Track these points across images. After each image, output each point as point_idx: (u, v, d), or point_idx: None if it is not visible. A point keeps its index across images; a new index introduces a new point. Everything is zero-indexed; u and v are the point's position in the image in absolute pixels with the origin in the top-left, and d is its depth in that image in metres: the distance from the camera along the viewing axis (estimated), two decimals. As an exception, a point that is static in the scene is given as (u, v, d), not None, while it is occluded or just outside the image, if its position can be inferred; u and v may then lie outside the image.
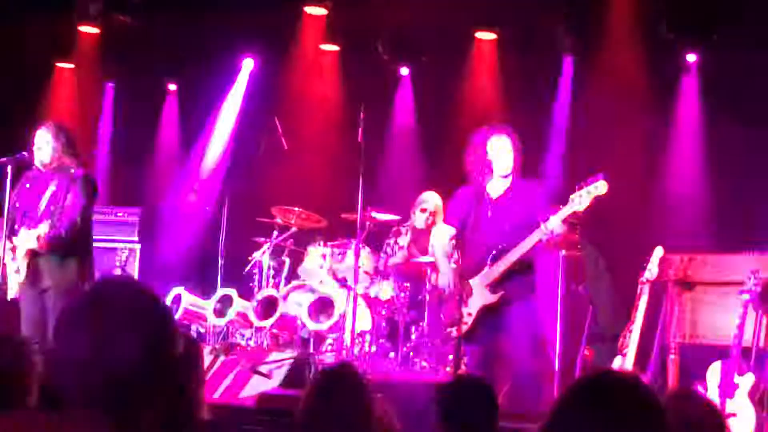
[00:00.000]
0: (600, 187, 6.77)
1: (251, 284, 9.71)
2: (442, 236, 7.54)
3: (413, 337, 9.06)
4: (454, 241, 7.28)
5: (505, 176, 7.17)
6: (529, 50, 10.32)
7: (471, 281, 7.11)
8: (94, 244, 8.67)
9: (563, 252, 7.96)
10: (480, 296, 7.10)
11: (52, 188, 7.66)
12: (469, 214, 7.16)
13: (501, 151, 7.12)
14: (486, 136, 7.17)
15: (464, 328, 7.10)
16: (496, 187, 7.19)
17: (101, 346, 2.02)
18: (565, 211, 6.78)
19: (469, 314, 7.12)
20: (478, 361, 7.32)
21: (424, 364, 8.89)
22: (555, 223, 6.81)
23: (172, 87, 12.21)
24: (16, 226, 7.68)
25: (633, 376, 2.28)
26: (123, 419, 2.00)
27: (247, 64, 11.77)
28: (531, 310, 7.15)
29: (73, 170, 7.70)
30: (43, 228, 7.45)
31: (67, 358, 2.06)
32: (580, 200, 6.76)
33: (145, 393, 2.06)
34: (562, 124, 10.39)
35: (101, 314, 2.06)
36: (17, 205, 7.69)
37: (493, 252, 7.06)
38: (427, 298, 9.18)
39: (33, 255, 7.55)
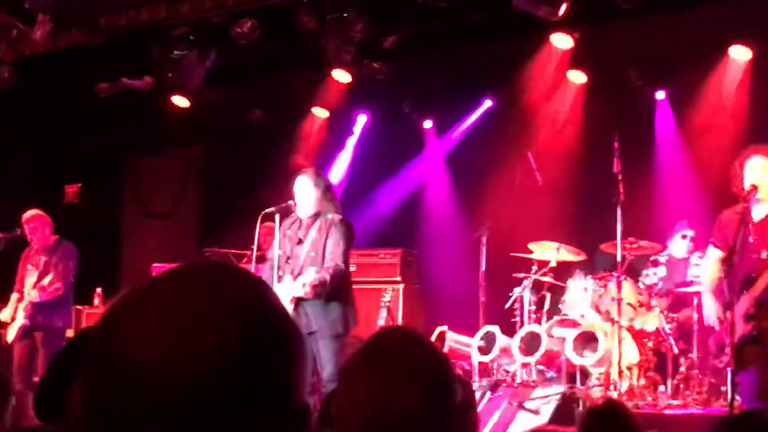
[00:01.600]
0: None
1: (513, 320, 9.67)
2: (707, 263, 7.35)
3: (683, 368, 8.79)
4: (720, 267, 7.06)
5: (765, 199, 6.93)
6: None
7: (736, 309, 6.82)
8: (360, 285, 8.93)
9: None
10: (738, 326, 6.84)
11: (313, 234, 7.88)
12: (735, 239, 6.90)
13: (760, 171, 6.89)
14: (746, 157, 6.97)
15: (725, 359, 6.91)
16: (760, 209, 6.95)
17: (383, 394, 2.05)
18: None
19: (728, 345, 6.84)
20: (751, 393, 7.01)
21: (695, 396, 8.62)
22: None
23: (428, 125, 12.46)
24: (281, 273, 7.93)
25: None
26: None
27: (486, 104, 11.92)
28: None
29: (331, 216, 7.90)
30: (309, 275, 7.67)
31: (349, 404, 2.10)
32: None
33: None
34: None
35: (383, 362, 2.10)
36: (280, 252, 7.96)
37: (747, 280, 6.84)
38: (695, 327, 8.90)
39: (298, 300, 7.73)
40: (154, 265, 11.02)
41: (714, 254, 7.17)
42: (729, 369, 6.80)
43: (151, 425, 1.32)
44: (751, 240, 6.86)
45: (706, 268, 7.36)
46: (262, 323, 1.38)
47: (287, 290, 7.74)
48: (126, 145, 13.56)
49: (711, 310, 7.14)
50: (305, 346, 1.43)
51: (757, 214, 6.91)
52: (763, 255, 6.80)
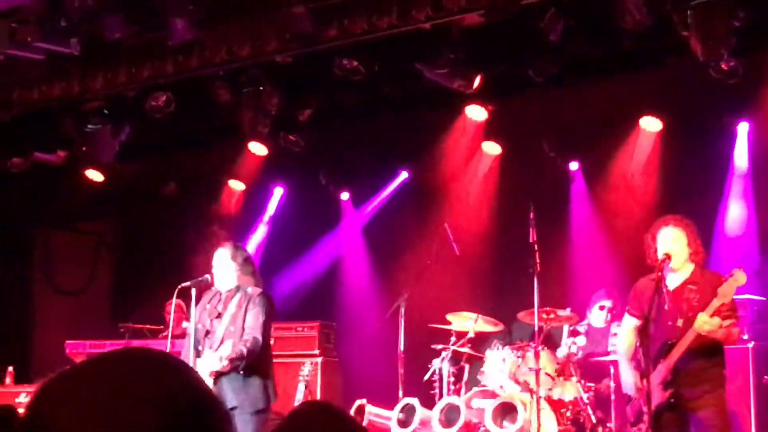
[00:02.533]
0: (739, 277, 6.65)
1: (432, 392, 9.65)
2: (622, 331, 7.43)
3: None
4: (636, 335, 7.14)
5: (678, 268, 7.04)
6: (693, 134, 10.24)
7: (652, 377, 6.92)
8: (279, 359, 8.82)
9: (751, 344, 7.76)
10: (655, 394, 6.90)
11: (232, 309, 7.83)
12: (651, 307, 6.98)
13: (672, 242, 7.02)
14: (658, 227, 7.11)
15: (642, 427, 6.96)
16: (675, 277, 7.05)
17: None
18: (713, 305, 6.63)
19: (645, 413, 6.93)
20: None
21: None
22: (702, 320, 6.64)
23: (345, 196, 12.55)
24: (200, 347, 7.85)
25: None
26: None
27: (405, 173, 12.02)
28: (719, 411, 6.90)
29: (251, 289, 7.87)
30: (226, 349, 7.60)
31: None
32: (724, 292, 6.63)
33: None
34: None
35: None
36: (199, 326, 7.90)
37: (664, 347, 6.93)
38: (613, 397, 8.98)
39: (218, 375, 7.65)
40: (68, 342, 10.90)
41: (629, 322, 7.26)
42: None
43: None
44: (666, 308, 6.97)
45: (621, 337, 7.43)
46: (187, 407, 1.39)
47: (206, 364, 7.66)
48: (37, 220, 13.38)
49: (628, 378, 7.20)
50: (232, 428, 1.45)
51: (671, 282, 7.03)
52: (679, 323, 6.91)
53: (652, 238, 7.08)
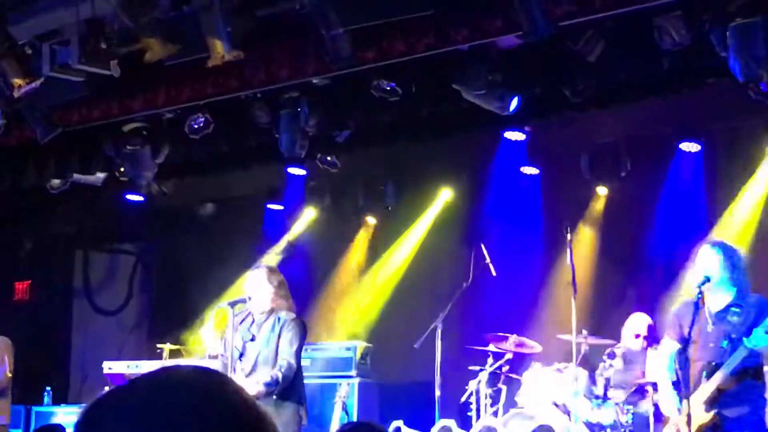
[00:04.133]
0: None
1: (469, 413, 9.67)
2: (662, 356, 7.43)
3: None
4: (676, 358, 7.15)
5: (720, 290, 7.06)
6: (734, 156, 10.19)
7: (691, 398, 6.92)
8: (314, 381, 8.83)
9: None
10: (696, 415, 6.91)
11: (265, 332, 7.93)
12: (691, 328, 7.01)
13: (708, 264, 7.08)
14: (698, 251, 7.19)
15: None
16: (717, 300, 7.08)
17: None
18: (765, 323, 6.60)
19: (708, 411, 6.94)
20: None
21: None
22: (756, 337, 6.64)
23: (372, 221, 12.55)
24: (234, 367, 7.85)
25: None
26: None
27: (444, 195, 12.00)
28: (747, 420, 6.91)
29: (284, 313, 7.94)
30: (260, 374, 7.71)
31: None
32: None
33: None
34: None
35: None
36: (228, 349, 7.94)
37: (708, 368, 6.94)
38: (652, 420, 8.92)
39: None
40: (105, 361, 10.93)
41: (669, 346, 7.27)
42: None
43: None
44: (709, 330, 7.00)
45: (662, 361, 7.42)
46: (249, 425, 1.38)
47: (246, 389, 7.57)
48: (77, 241, 13.50)
49: (670, 401, 7.21)
50: None
51: (714, 304, 7.05)
52: (723, 344, 6.93)
53: (693, 260, 7.20)
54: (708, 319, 7.08)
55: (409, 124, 10.28)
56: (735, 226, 10.22)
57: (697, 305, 6.92)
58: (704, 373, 6.94)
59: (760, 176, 10.11)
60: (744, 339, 6.73)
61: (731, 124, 9.99)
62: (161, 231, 13.31)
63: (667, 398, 7.26)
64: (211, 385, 1.41)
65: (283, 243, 12.77)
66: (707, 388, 6.88)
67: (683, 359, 6.96)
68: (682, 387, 6.94)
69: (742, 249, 7.68)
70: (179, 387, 1.39)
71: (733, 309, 7.04)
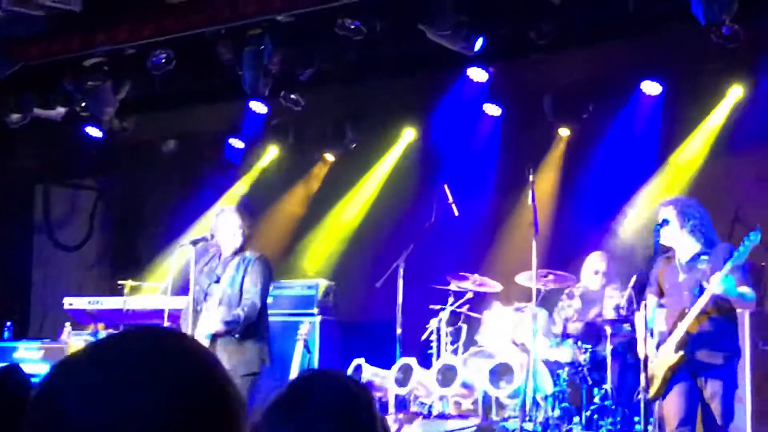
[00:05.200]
0: (754, 237, 6.95)
1: (429, 352, 9.81)
2: (648, 309, 7.81)
3: (597, 399, 9.04)
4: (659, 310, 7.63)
5: (686, 244, 7.40)
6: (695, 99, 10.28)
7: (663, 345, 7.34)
8: (277, 318, 8.91)
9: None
10: (666, 357, 7.27)
11: (230, 272, 8.00)
12: (665, 280, 7.46)
13: (670, 220, 7.43)
14: (659, 211, 7.53)
15: (653, 391, 7.35)
16: (687, 250, 7.43)
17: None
18: (727, 266, 6.91)
19: (656, 377, 7.32)
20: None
21: (609, 427, 8.88)
22: (716, 280, 6.92)
23: (333, 159, 12.59)
24: (199, 307, 8.00)
25: None
26: None
27: (407, 134, 12.02)
28: (727, 383, 7.23)
29: (249, 253, 8.03)
30: (220, 313, 7.79)
31: None
32: (739, 254, 6.96)
33: None
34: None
35: (305, 409, 2.11)
36: (197, 288, 8.06)
37: (680, 316, 7.27)
38: (609, 359, 9.13)
39: (213, 338, 7.84)
40: (67, 297, 10.97)
41: (652, 301, 7.67)
42: (644, 400, 7.26)
43: None
44: (680, 280, 7.36)
45: (648, 314, 7.77)
46: (202, 391, 1.40)
47: (203, 327, 7.84)
48: (37, 176, 13.42)
49: (649, 350, 7.58)
50: (246, 416, 1.47)
51: (683, 255, 7.39)
52: (695, 291, 7.27)
53: (658, 218, 7.57)
54: (679, 269, 7.39)
55: (372, 64, 10.30)
56: (680, 168, 10.45)
57: (670, 258, 7.35)
58: (677, 320, 7.26)
59: (713, 120, 10.27)
60: (704, 283, 7.02)
61: (693, 67, 10.05)
62: (123, 167, 13.24)
63: (650, 347, 7.62)
64: (171, 346, 1.44)
65: (240, 185, 12.80)
66: (678, 332, 7.19)
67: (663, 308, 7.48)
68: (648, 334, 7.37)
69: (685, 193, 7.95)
70: (145, 346, 1.42)
71: (702, 257, 7.33)
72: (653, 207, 8.53)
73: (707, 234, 7.40)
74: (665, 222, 7.19)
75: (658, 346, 7.40)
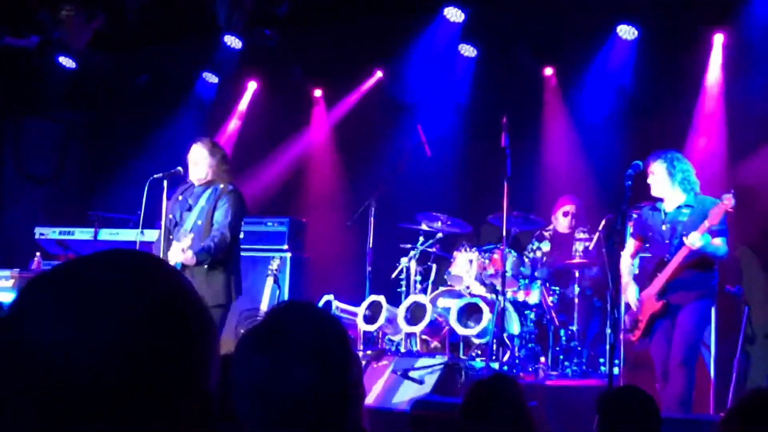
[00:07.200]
0: (727, 201, 7.36)
1: (399, 290, 9.88)
2: (626, 253, 8.14)
3: (563, 340, 9.18)
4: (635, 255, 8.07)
5: (672, 195, 7.76)
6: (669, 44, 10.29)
7: (646, 290, 7.75)
8: (247, 254, 8.90)
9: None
10: (648, 305, 7.67)
11: (201, 203, 7.93)
12: (649, 228, 7.87)
13: (653, 175, 7.80)
14: (648, 163, 7.80)
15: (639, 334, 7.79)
16: (672, 202, 7.77)
17: (279, 373, 2.09)
18: (704, 225, 7.35)
19: (641, 321, 7.74)
20: (632, 364, 8.07)
21: (575, 368, 9.04)
22: (693, 237, 7.34)
23: (318, 93, 12.51)
24: (171, 237, 7.97)
25: None
26: None
27: (380, 74, 12.00)
28: (702, 309, 7.61)
29: (222, 185, 7.93)
30: (188, 242, 7.71)
31: (245, 381, 2.13)
32: (714, 213, 7.38)
33: (318, 415, 2.10)
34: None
35: (280, 341, 2.14)
36: (170, 217, 8.02)
37: (661, 264, 7.70)
38: (576, 300, 9.25)
39: (182, 268, 7.69)
40: (37, 227, 10.96)
41: (631, 244, 8.06)
42: (610, 342, 7.40)
43: (51, 411, 1.30)
44: (663, 229, 7.73)
45: (625, 257, 8.12)
46: (171, 310, 1.38)
47: (172, 255, 7.74)
48: (7, 106, 13.30)
49: (631, 293, 7.90)
50: (216, 336, 1.45)
51: (668, 206, 7.76)
52: (675, 241, 7.63)
53: (648, 170, 7.90)
54: (663, 219, 7.78)
55: (348, 2, 10.23)
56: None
57: (655, 208, 7.76)
58: (658, 268, 7.68)
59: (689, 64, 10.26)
60: (683, 238, 7.42)
61: (672, 12, 10.03)
62: (96, 100, 13.15)
63: (631, 290, 7.94)
64: (145, 266, 1.41)
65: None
66: (658, 281, 7.60)
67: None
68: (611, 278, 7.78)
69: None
70: (115, 268, 1.38)
71: (683, 210, 7.70)
72: (626, 152, 8.74)
73: (692, 186, 7.71)
74: (636, 167, 7.35)
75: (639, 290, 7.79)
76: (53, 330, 1.30)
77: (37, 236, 11.04)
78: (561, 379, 8.88)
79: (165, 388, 1.33)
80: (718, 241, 7.50)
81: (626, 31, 10.25)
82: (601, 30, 10.45)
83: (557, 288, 9.49)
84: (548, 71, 11.09)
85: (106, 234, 10.79)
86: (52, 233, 11.03)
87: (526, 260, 9.61)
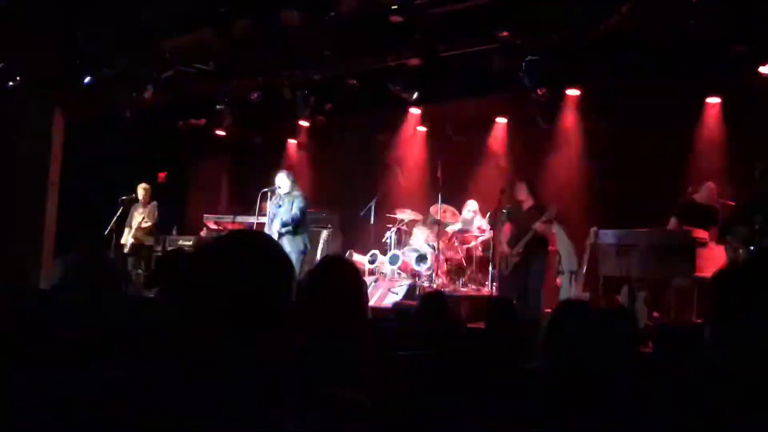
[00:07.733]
0: (551, 210, 10.56)
1: (386, 248, 13.88)
2: (504, 229, 11.19)
3: (468, 272, 13.21)
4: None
5: (526, 200, 10.93)
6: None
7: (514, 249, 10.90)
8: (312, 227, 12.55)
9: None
10: (514, 255, 10.90)
11: (285, 203, 11.91)
12: (513, 222, 10.98)
13: (519, 194, 11.00)
14: (507, 184, 11.06)
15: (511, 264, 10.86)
16: (527, 203, 10.98)
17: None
18: (543, 219, 10.56)
19: (518, 255, 10.80)
20: (504, 287, 11.42)
21: (472, 286, 12.96)
22: (536, 227, 10.54)
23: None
24: (272, 220, 11.88)
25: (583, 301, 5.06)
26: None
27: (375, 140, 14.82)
28: (539, 263, 10.99)
29: (295, 192, 11.98)
30: (279, 222, 11.67)
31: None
32: (547, 215, 10.59)
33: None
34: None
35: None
36: (269, 211, 12.19)
37: (522, 234, 10.97)
38: (474, 253, 13.25)
39: (279, 236, 11.51)
40: (205, 215, 14.56)
41: (506, 231, 11.01)
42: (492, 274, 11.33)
43: (226, 313, 2.15)
44: (521, 217, 10.66)
45: (504, 231, 11.10)
46: (275, 259, 2.33)
47: (274, 230, 11.65)
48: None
49: (504, 247, 11.05)
50: (294, 275, 2.35)
51: (526, 205, 10.94)
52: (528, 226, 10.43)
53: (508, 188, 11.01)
54: (521, 214, 10.81)
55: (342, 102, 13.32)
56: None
57: (504, 219, 11.12)
58: (519, 237, 10.78)
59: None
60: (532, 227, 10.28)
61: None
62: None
63: (502, 247, 11.17)
64: (262, 238, 2.36)
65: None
66: (520, 246, 10.83)
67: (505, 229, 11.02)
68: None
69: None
70: (248, 239, 2.32)
71: (531, 210, 10.69)
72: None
73: (535, 198, 10.62)
74: (521, 198, 10.50)
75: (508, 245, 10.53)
76: (226, 265, 2.27)
77: (204, 220, 15.16)
78: (468, 292, 12.30)
79: (276, 302, 2.23)
80: (546, 228, 10.31)
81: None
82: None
83: (465, 245, 13.12)
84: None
85: (240, 219, 14.50)
86: (212, 219, 15.03)
87: (449, 232, 13.28)
